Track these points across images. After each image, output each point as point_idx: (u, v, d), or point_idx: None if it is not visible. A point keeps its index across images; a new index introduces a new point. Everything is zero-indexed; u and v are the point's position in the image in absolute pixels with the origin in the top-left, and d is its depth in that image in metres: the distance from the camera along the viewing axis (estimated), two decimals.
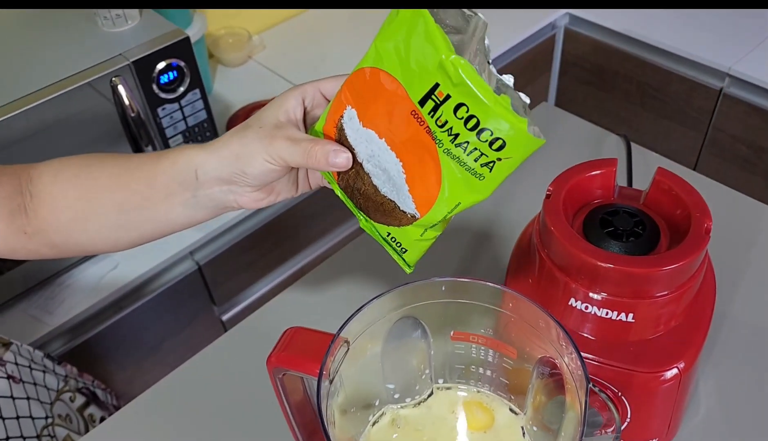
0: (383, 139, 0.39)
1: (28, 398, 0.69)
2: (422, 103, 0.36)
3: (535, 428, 0.42)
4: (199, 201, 0.44)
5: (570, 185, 0.52)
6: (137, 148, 0.91)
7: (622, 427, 0.50)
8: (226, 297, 1.10)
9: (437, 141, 0.37)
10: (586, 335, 0.49)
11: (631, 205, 0.52)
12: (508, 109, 0.35)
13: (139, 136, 0.90)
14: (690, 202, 0.50)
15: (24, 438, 0.66)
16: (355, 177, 0.42)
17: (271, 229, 1.08)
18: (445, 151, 0.37)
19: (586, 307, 0.48)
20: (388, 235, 0.43)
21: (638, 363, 0.48)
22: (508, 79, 0.37)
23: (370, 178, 0.41)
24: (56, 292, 0.91)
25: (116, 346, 0.97)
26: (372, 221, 0.43)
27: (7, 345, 0.71)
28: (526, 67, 1.47)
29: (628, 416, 0.49)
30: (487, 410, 0.44)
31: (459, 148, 0.36)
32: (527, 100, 0.38)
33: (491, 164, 0.37)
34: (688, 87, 1.38)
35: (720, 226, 0.70)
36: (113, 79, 0.86)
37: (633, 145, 0.80)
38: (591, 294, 0.48)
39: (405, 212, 0.41)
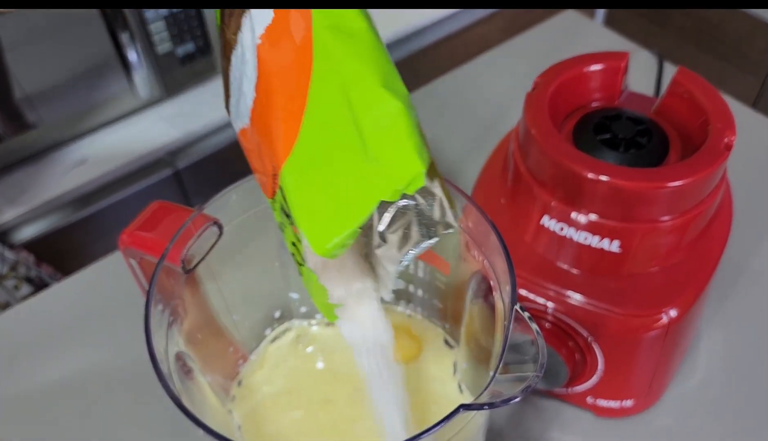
0: None
1: None
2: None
3: (465, 364, 0.34)
4: None
5: (563, 79, 0.42)
6: (112, 32, 0.83)
7: (592, 382, 0.41)
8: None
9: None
10: (560, 265, 0.40)
11: (637, 111, 0.41)
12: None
13: (114, 18, 0.82)
14: (711, 110, 0.39)
15: None
16: None
17: None
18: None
19: (561, 229, 0.39)
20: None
21: (617, 303, 0.38)
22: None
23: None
24: (18, 181, 0.86)
25: (81, 245, 0.91)
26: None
27: None
28: None
29: (599, 369, 0.40)
30: (414, 338, 0.36)
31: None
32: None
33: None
34: (750, 26, 1.22)
35: (756, 161, 0.58)
36: None
37: (669, 66, 0.68)
38: (568, 212, 0.38)
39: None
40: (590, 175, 0.36)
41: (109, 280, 0.53)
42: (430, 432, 0.23)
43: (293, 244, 0.27)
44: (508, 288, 0.27)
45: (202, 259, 0.30)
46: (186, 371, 0.28)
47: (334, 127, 0.25)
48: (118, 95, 0.90)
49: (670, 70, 0.68)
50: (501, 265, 0.28)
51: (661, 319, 0.38)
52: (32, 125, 0.86)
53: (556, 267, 0.40)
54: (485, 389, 0.24)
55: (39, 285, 0.75)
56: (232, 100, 0.30)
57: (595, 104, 0.43)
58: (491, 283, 0.29)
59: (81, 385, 0.46)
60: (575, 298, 0.39)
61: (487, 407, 0.23)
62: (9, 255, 0.73)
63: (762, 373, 0.45)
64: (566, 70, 0.42)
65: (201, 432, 0.24)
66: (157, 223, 0.30)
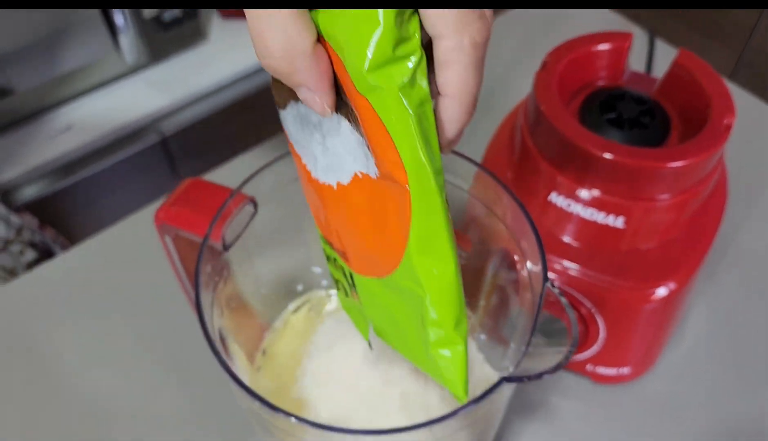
0: None
1: None
2: None
3: (483, 336, 0.35)
4: None
5: (571, 58, 0.43)
6: None
7: (593, 351, 0.43)
8: (192, 175, 1.02)
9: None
10: (565, 239, 0.41)
11: (640, 91, 0.43)
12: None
13: None
14: (712, 92, 0.40)
15: None
16: None
17: (246, 105, 0.99)
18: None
19: (569, 205, 0.40)
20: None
21: (621, 276, 0.40)
22: None
23: None
24: (1, 147, 0.84)
25: (69, 213, 0.90)
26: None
27: None
28: None
29: (600, 338, 0.42)
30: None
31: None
32: None
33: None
34: None
35: (745, 141, 0.61)
36: None
37: (660, 43, 0.70)
38: (577, 189, 0.39)
39: None
40: (600, 154, 0.38)
41: (118, 248, 0.53)
42: (476, 404, 0.24)
43: (344, 274, 0.32)
44: (532, 263, 0.29)
45: (240, 235, 0.30)
46: (221, 342, 0.29)
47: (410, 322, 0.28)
48: (104, 59, 0.88)
49: (660, 47, 0.70)
50: (526, 241, 0.29)
51: (661, 291, 0.40)
52: (8, 91, 0.84)
53: (561, 241, 0.42)
54: (519, 362, 0.25)
55: (42, 250, 0.74)
56: (328, 141, 0.28)
57: (600, 83, 0.44)
58: (515, 257, 0.30)
59: (95, 354, 0.47)
60: (579, 271, 0.40)
61: (526, 380, 0.25)
62: (14, 219, 0.72)
63: (746, 341, 0.48)
64: (574, 49, 0.43)
65: (241, 402, 0.25)
66: (192, 201, 0.31)
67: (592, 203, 0.40)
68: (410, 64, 0.23)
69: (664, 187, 0.39)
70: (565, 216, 0.41)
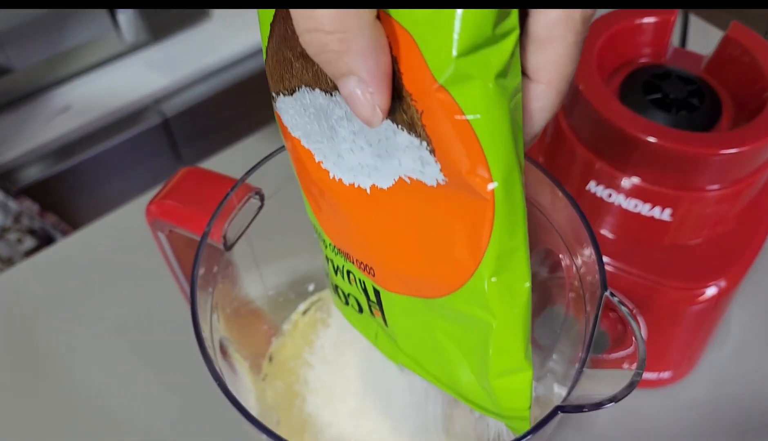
0: None
1: None
2: None
3: None
4: None
5: (611, 32, 0.39)
6: None
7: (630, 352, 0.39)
8: (195, 158, 0.98)
9: None
10: (603, 233, 0.38)
11: (687, 70, 0.39)
12: None
13: None
14: None
15: None
16: None
17: (252, 86, 0.95)
18: None
19: (609, 195, 0.36)
20: None
21: (666, 274, 0.36)
22: None
23: None
24: None
25: (67, 196, 0.87)
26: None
27: None
28: None
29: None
30: None
31: None
32: None
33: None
34: None
35: None
36: None
37: (693, 18, 0.65)
38: (618, 178, 0.36)
39: None
40: (645, 137, 0.34)
41: (119, 235, 0.50)
42: (532, 435, 0.21)
43: (363, 290, 0.28)
44: (582, 265, 0.25)
45: (243, 232, 0.27)
46: (222, 352, 0.26)
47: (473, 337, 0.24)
48: (103, 38, 0.84)
49: (694, 22, 0.65)
50: (575, 238, 0.25)
51: (710, 291, 0.36)
52: (7, 69, 0.80)
53: (599, 235, 0.38)
54: (573, 386, 0.22)
55: (43, 237, 0.71)
56: (362, 139, 0.23)
57: (642, 61, 0.40)
58: (560, 257, 0.27)
59: (93, 346, 0.44)
60: (618, 268, 0.37)
61: (587, 410, 0.21)
62: (13, 205, 0.68)
63: None
64: (615, 22, 0.39)
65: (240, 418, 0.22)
66: (188, 192, 0.27)
67: (636, 193, 0.36)
68: (510, 44, 0.18)
69: (716, 177, 0.35)
70: (604, 207, 0.37)
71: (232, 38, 0.92)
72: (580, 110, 0.36)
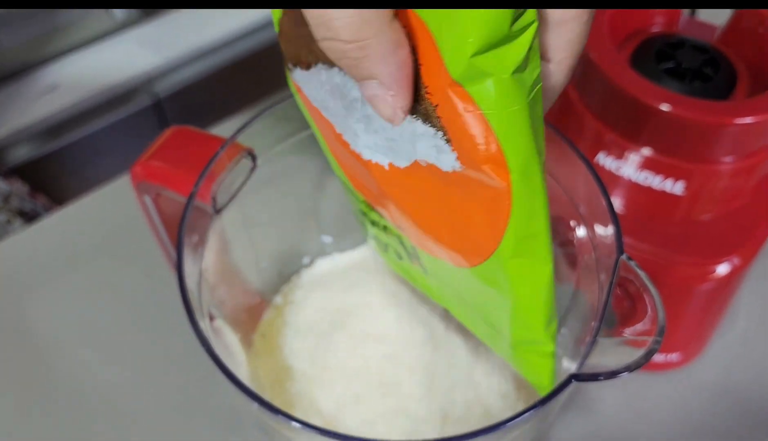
0: None
1: None
2: None
3: None
4: None
5: None
6: None
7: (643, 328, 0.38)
8: None
9: None
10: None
11: (700, 39, 0.37)
12: None
13: None
14: None
15: None
16: None
17: (248, 65, 0.93)
18: None
19: (618, 168, 0.35)
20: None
21: (677, 250, 0.35)
22: None
23: None
24: None
25: (55, 178, 0.85)
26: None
27: None
28: None
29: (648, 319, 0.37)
30: None
31: None
32: None
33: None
34: None
35: None
36: None
37: None
38: (629, 149, 0.34)
39: None
40: (657, 106, 0.32)
41: (105, 212, 0.48)
42: (544, 405, 0.19)
43: (400, 242, 0.27)
44: (596, 232, 0.23)
45: (234, 195, 0.25)
46: (211, 319, 0.24)
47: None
48: (91, 14, 0.82)
49: None
50: (586, 205, 0.24)
51: (722, 268, 0.35)
52: None
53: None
54: (586, 356, 0.20)
55: (33, 218, 0.69)
56: (378, 123, 0.22)
57: (654, 29, 0.39)
58: (570, 223, 0.25)
59: (81, 325, 0.42)
60: (629, 244, 0.35)
61: (602, 378, 0.20)
62: (2, 185, 0.66)
63: None
64: None
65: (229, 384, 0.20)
66: (176, 153, 0.25)
67: (647, 165, 0.34)
68: (528, 38, 0.17)
69: (731, 148, 0.34)
70: (613, 180, 0.35)
71: (226, 16, 0.90)
72: (591, 78, 0.35)
